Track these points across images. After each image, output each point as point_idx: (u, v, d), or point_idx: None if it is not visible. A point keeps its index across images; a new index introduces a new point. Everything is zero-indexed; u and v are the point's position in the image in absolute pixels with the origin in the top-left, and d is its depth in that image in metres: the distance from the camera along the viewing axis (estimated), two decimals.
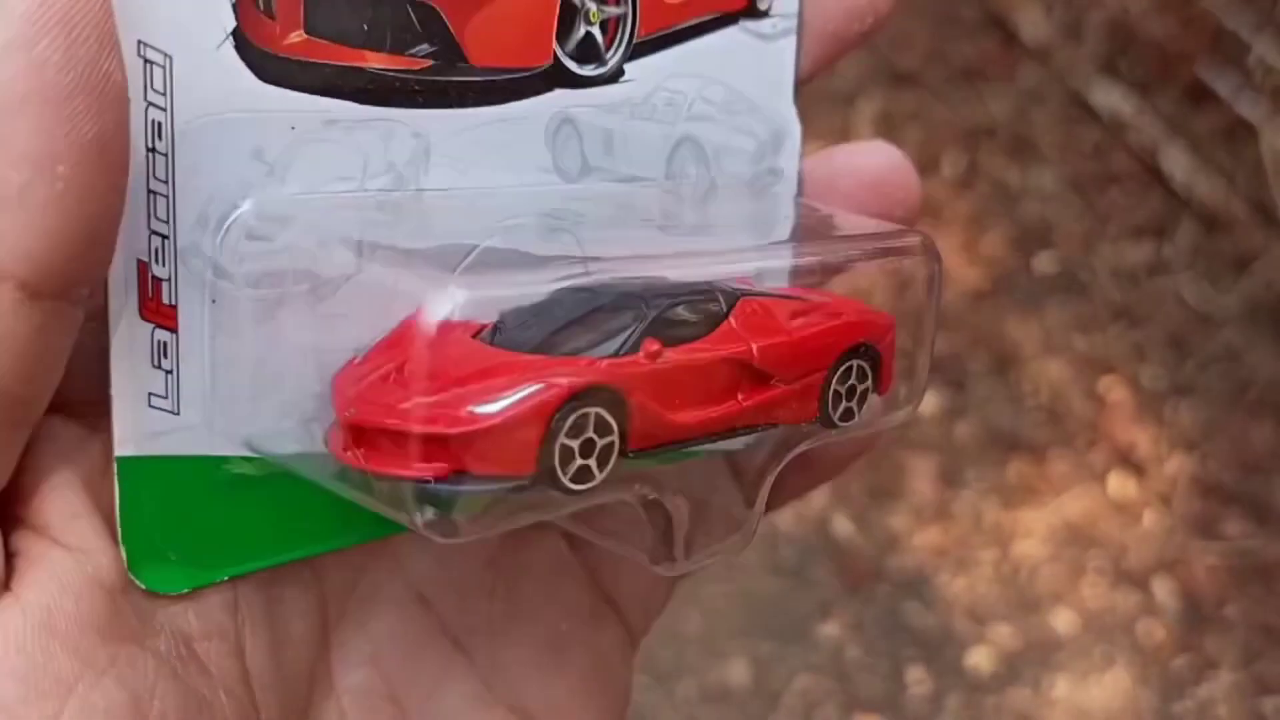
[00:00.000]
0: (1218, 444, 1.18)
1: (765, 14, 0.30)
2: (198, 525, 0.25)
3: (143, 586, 0.24)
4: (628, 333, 0.25)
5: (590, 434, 0.23)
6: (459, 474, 0.22)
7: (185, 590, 0.25)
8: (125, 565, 0.24)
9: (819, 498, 1.14)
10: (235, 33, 0.23)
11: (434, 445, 0.22)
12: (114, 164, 0.21)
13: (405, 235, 0.25)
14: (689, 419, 0.25)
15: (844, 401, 0.28)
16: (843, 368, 0.27)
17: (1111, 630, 1.08)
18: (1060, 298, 1.28)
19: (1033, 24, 1.42)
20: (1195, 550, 1.12)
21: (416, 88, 0.25)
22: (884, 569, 1.11)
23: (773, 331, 0.26)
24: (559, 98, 0.27)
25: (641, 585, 0.33)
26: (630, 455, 0.24)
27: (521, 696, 0.30)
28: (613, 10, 0.28)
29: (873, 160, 0.32)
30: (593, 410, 0.23)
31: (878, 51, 1.46)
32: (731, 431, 0.26)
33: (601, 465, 0.23)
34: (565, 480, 0.23)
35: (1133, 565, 1.11)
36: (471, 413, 0.22)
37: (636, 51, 0.28)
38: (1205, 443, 1.18)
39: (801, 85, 0.31)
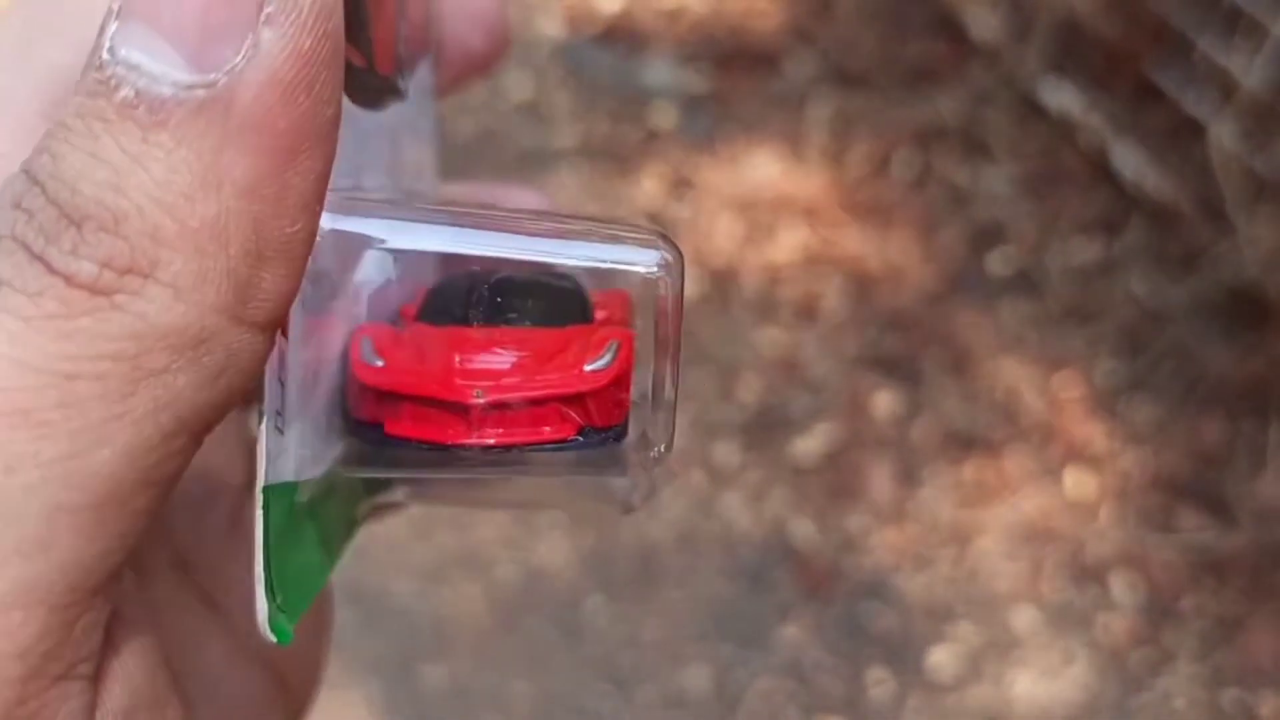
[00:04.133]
0: (1171, 438, 1.19)
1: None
2: (285, 561, 0.22)
3: (275, 640, 0.22)
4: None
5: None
6: (587, 430, 0.21)
7: (289, 642, 0.22)
8: (265, 621, 0.21)
9: (776, 500, 1.14)
10: None
11: (571, 407, 0.21)
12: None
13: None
14: None
15: None
16: None
17: (1070, 626, 1.08)
18: (1013, 296, 1.28)
19: (981, 24, 1.42)
20: (1152, 544, 1.13)
21: (358, 87, 0.24)
22: (842, 570, 1.11)
23: None
24: (393, 110, 0.26)
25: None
26: None
27: (270, 649, 0.30)
28: (404, 29, 0.26)
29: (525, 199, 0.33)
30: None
31: (827, 54, 1.47)
32: None
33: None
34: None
35: (1090, 561, 1.12)
36: (590, 370, 0.22)
37: (410, 65, 0.27)
38: (1159, 437, 1.19)
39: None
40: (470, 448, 0.21)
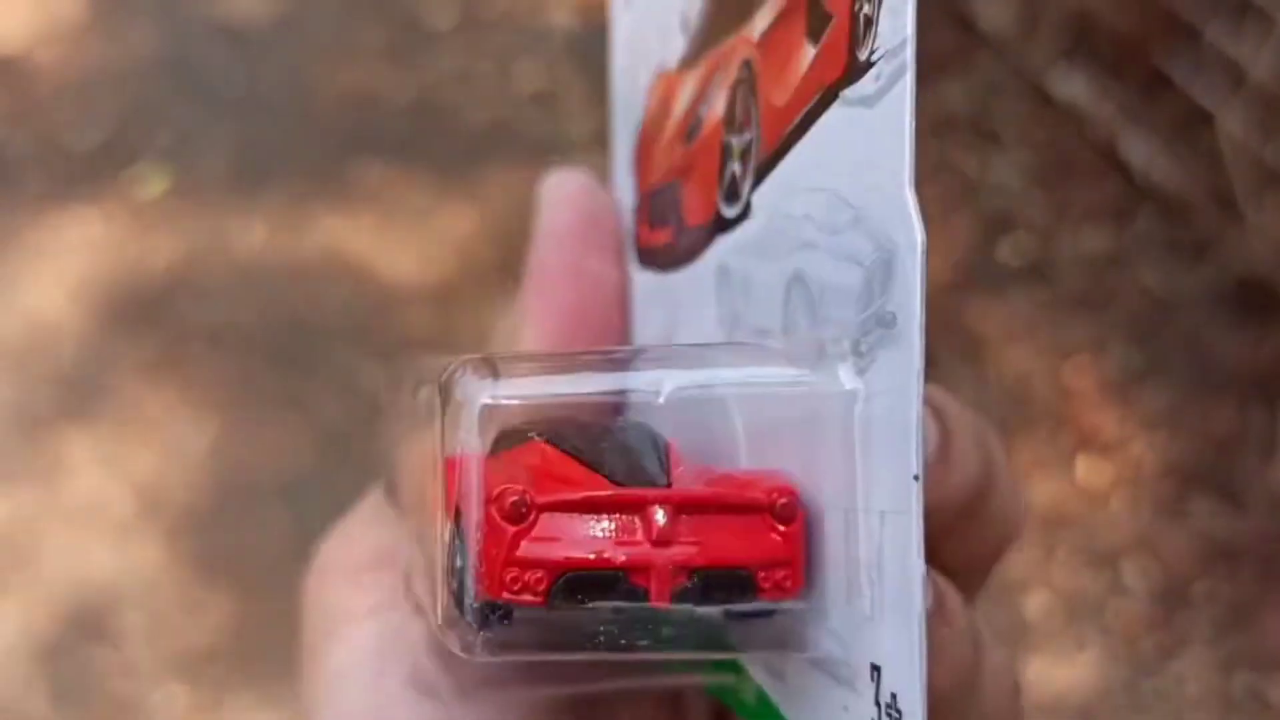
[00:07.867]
0: (1182, 426, 1.19)
1: (869, 64, 0.20)
2: None
3: None
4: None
5: None
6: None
7: None
8: None
9: None
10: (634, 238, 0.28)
11: None
12: None
13: None
14: None
15: None
16: None
17: (1082, 612, 1.09)
18: (1024, 285, 1.29)
19: (991, 14, 1.43)
20: (1163, 531, 1.13)
21: (663, 261, 0.27)
22: None
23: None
24: (717, 246, 0.24)
25: None
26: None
27: None
28: (746, 137, 0.23)
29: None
30: None
31: None
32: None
33: None
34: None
35: (1102, 547, 1.12)
36: None
37: (758, 177, 0.23)
38: (1170, 425, 1.19)
39: None
40: None
